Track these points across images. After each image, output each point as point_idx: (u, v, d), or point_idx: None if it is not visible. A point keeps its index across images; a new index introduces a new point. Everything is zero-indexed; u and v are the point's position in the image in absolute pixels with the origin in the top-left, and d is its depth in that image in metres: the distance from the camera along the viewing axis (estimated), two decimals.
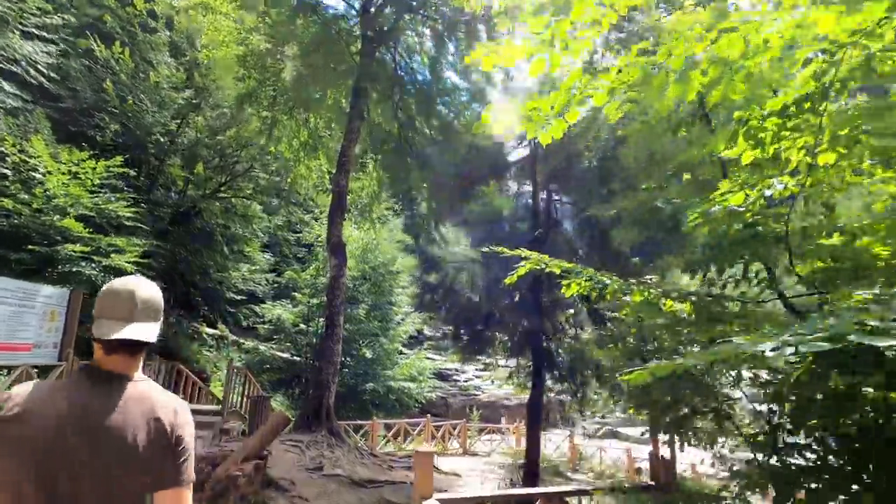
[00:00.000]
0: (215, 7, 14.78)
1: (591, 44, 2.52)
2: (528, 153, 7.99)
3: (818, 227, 2.98)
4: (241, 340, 20.01)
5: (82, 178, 12.13)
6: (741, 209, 2.84)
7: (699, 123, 4.37)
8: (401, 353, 20.61)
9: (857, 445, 2.45)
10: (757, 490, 3.02)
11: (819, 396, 2.64)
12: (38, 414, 1.16)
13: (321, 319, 19.57)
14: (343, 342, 11.97)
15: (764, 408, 3.44)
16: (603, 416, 25.74)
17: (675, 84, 2.23)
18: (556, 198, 7.49)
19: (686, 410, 4.09)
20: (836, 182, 2.81)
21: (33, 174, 11.75)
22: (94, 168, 12.21)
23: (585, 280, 3.47)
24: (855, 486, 2.35)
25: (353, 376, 17.80)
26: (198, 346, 18.05)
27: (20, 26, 12.94)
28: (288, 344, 19.44)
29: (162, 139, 17.22)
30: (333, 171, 14.20)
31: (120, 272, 12.77)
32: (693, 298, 3.44)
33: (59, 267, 11.19)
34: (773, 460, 2.89)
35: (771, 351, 1.45)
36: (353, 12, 14.30)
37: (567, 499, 4.97)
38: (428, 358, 22.74)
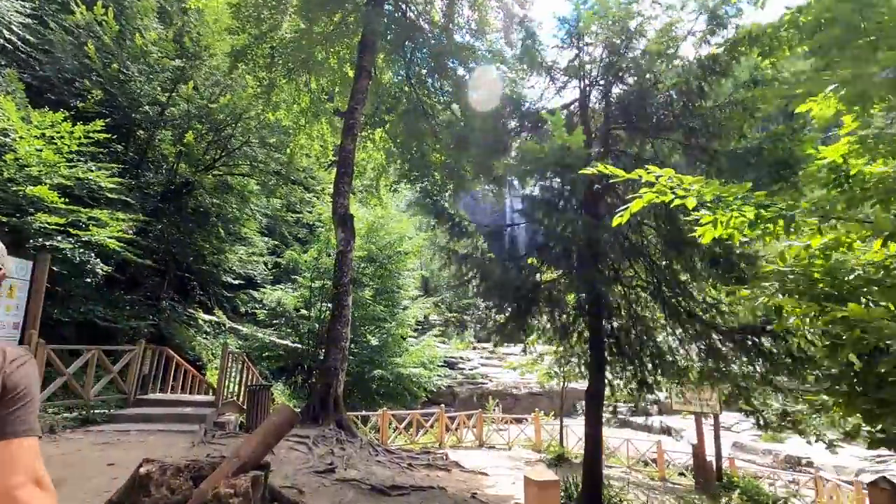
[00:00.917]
0: None
1: None
2: (578, 96, 6.73)
3: None
4: (239, 327, 18.85)
5: (58, 144, 10.85)
6: None
7: None
8: (404, 338, 19.41)
9: None
10: None
11: None
12: None
13: (323, 305, 18.47)
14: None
15: None
16: (615, 408, 24.77)
17: None
18: (616, 147, 6.25)
19: None
20: None
21: (2, 138, 10.47)
22: (71, 132, 10.92)
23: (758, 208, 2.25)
24: None
25: (358, 363, 16.67)
26: (193, 332, 16.87)
27: None
28: (289, 330, 18.27)
29: (150, 111, 15.90)
30: (337, 141, 12.95)
31: (102, 249, 11.58)
32: None
33: (32, 241, 9.96)
34: None
35: None
36: None
37: None
38: (435, 345, 21.62)
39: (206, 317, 18.44)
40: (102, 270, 11.45)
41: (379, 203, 15.10)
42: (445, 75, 11.63)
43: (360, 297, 17.56)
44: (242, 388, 10.19)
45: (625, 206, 2.66)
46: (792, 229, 2.43)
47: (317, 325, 18.00)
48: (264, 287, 19.43)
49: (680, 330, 5.65)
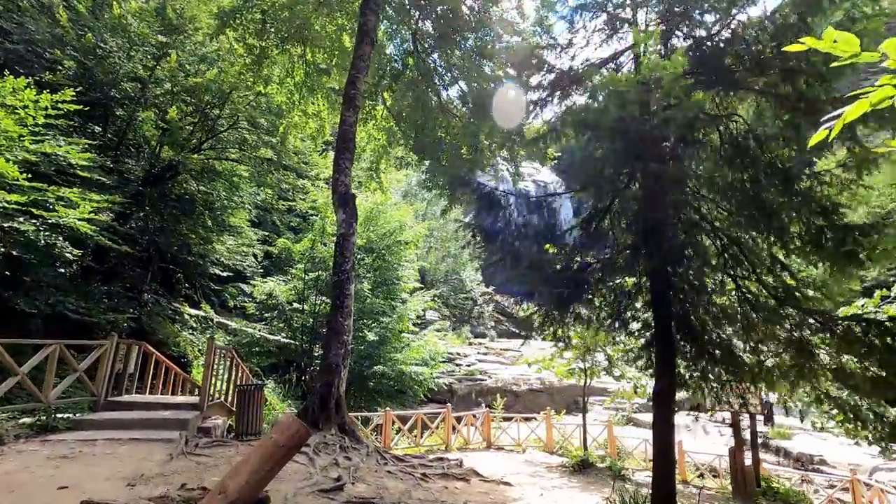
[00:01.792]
0: None
1: None
2: (622, 48, 5.74)
3: None
4: (227, 322, 17.67)
5: (21, 114, 9.64)
6: None
7: None
8: (403, 333, 18.30)
9: None
10: None
11: None
12: None
13: (318, 298, 17.37)
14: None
15: None
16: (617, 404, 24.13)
17: None
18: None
19: None
20: None
21: None
22: (36, 101, 9.71)
23: None
24: None
25: (356, 360, 15.61)
26: (178, 327, 15.69)
27: None
28: (281, 324, 17.13)
29: (130, 88, 14.66)
30: (335, 119, 11.85)
31: (73, 233, 10.41)
32: None
33: None
34: None
35: None
36: None
37: None
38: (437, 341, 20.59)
39: (193, 311, 17.26)
40: (73, 256, 10.30)
41: (379, 187, 14.01)
42: (455, 45, 10.57)
43: (357, 289, 16.48)
44: (231, 388, 9.11)
45: (835, 114, 1.67)
46: None
47: (311, 320, 16.90)
48: (254, 280, 18.26)
49: (757, 316, 4.72)
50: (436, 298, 31.12)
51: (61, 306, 10.65)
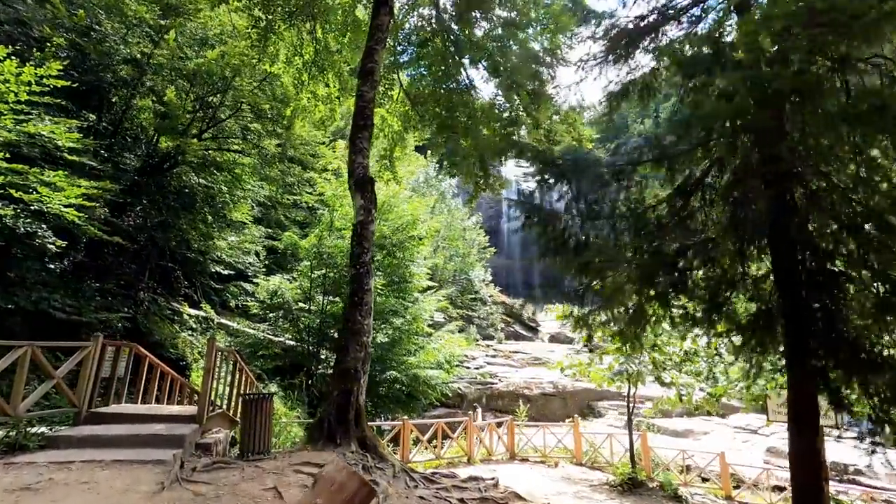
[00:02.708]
0: None
1: None
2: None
3: None
4: (229, 322, 16.62)
5: (2, 90, 8.63)
6: None
7: None
8: (418, 335, 17.18)
9: None
10: None
11: None
12: None
13: (326, 297, 16.32)
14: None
15: None
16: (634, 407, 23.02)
17: None
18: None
19: None
20: None
21: None
22: (18, 75, 8.70)
23: None
24: None
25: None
26: (176, 328, 14.67)
27: None
28: (287, 325, 16.06)
29: (126, 72, 13.67)
30: (348, 103, 10.82)
31: (58, 221, 9.40)
32: None
33: None
34: None
35: None
36: None
37: None
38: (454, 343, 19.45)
39: (192, 311, 16.22)
40: (56, 248, 9.27)
41: (393, 177, 12.98)
42: (485, 16, 9.54)
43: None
44: (235, 394, 8.06)
45: None
46: None
47: (318, 321, 15.84)
48: (257, 279, 17.21)
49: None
50: (443, 299, 30.09)
51: (45, 304, 9.62)
